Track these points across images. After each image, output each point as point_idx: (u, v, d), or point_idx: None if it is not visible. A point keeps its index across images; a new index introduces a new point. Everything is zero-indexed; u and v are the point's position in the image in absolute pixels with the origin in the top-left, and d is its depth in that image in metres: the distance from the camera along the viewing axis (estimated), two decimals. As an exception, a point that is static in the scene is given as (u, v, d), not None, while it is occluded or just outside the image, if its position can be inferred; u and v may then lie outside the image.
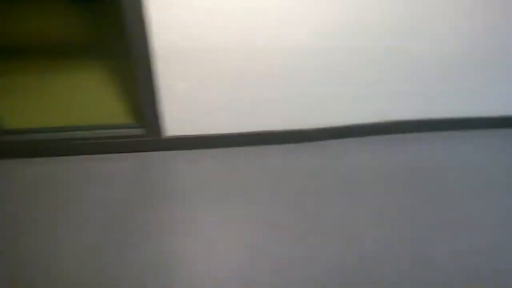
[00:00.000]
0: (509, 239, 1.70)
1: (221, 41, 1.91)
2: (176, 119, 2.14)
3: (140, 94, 2.04)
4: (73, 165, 2.13)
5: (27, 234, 1.73)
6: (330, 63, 2.05)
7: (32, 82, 2.43)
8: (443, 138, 2.40)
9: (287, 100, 2.16)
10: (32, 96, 2.43)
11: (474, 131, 2.47)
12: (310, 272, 1.55)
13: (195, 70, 1.98)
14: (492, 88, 2.32)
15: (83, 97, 2.44)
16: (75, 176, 2.06)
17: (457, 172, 2.11)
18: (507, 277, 1.53)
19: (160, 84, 2.00)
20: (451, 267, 1.57)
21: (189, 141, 2.22)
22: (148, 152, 2.22)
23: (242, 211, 1.85)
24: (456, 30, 2.05)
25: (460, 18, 2.01)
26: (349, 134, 2.35)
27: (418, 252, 1.64)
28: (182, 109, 2.11)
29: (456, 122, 2.42)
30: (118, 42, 2.20)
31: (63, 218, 1.81)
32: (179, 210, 1.86)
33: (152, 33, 1.84)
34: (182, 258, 1.61)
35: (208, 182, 2.02)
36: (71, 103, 2.43)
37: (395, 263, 1.58)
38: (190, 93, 2.06)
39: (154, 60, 1.92)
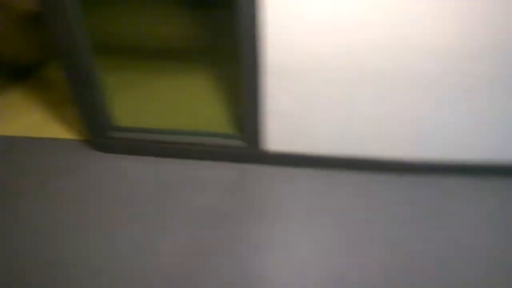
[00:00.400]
0: None
1: (332, 62, 1.82)
2: (277, 135, 2.10)
3: (244, 107, 2.03)
4: (171, 168, 2.21)
5: (123, 228, 1.83)
6: (452, 88, 1.86)
7: (141, 82, 2.56)
8: None
9: (394, 127, 2.00)
10: (140, 95, 2.56)
11: None
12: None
13: (302, 88, 1.92)
14: None
15: (187, 101, 2.51)
16: (173, 179, 2.13)
17: None
18: None
19: (266, 99, 1.97)
20: None
21: (289, 158, 2.17)
22: (245, 164, 2.22)
23: (331, 236, 1.79)
24: None
25: None
26: (460, 171, 2.12)
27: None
28: (285, 126, 2.06)
29: None
30: (227, 51, 2.22)
31: (157, 218, 1.89)
32: (269, 226, 1.85)
33: (264, 49, 1.81)
34: (264, 276, 1.61)
35: (301, 202, 1.97)
36: (175, 106, 2.52)
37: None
38: (294, 110, 2.00)
39: (262, 74, 1.89)
